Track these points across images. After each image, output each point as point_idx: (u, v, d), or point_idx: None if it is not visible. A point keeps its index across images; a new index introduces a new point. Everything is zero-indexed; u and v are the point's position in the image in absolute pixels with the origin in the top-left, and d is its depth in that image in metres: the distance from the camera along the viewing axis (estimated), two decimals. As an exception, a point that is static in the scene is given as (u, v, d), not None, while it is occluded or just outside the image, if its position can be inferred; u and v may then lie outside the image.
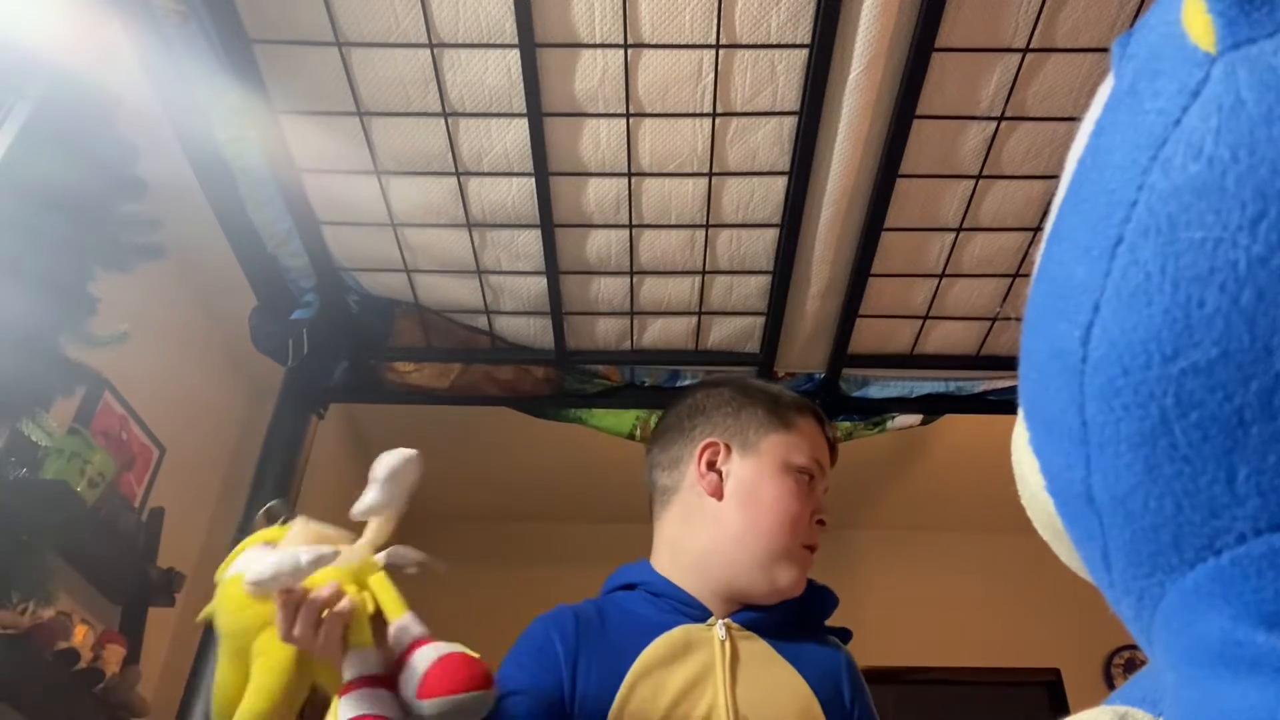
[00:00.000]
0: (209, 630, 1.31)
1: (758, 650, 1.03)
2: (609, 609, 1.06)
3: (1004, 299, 1.47)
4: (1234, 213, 0.25)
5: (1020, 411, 0.35)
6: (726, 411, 1.14)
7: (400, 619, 0.88)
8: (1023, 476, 0.37)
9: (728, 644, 1.01)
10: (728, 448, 1.11)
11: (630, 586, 1.10)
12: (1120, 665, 3.88)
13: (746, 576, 1.05)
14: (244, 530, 1.39)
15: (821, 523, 1.09)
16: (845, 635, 1.16)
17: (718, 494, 1.09)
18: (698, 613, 1.04)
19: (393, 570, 0.97)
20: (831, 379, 1.59)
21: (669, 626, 1.02)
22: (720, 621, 1.03)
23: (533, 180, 1.28)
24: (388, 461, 0.93)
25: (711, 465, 1.10)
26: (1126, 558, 0.30)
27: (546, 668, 0.98)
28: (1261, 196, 0.24)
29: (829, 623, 1.16)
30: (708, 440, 1.12)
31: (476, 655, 0.85)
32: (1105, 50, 1.11)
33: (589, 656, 0.99)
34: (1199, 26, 0.26)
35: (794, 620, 1.09)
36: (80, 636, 2.05)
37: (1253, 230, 0.25)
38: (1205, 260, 0.25)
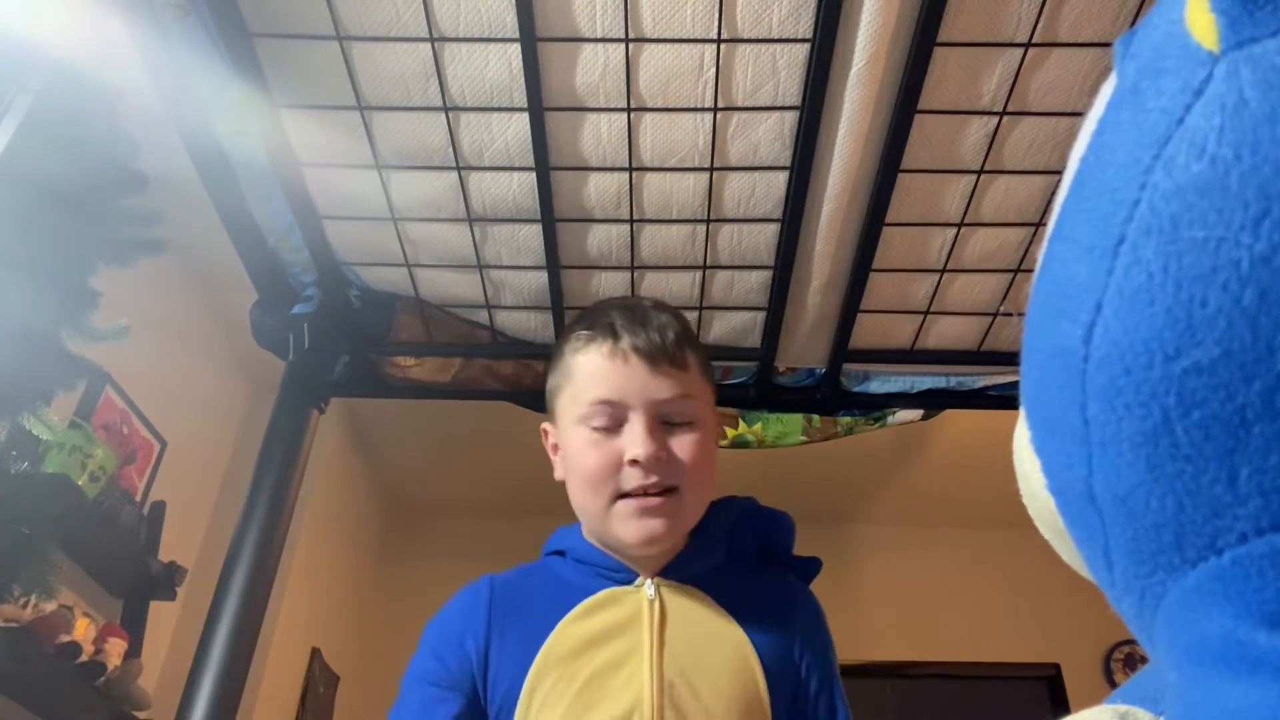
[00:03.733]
0: (210, 623, 1.31)
1: (694, 605, 0.97)
2: (535, 577, 1.03)
3: (1005, 294, 1.47)
4: (1237, 212, 0.25)
5: (1022, 410, 0.35)
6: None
7: None
8: (1024, 475, 0.37)
9: (657, 603, 0.96)
10: (552, 428, 1.07)
11: (561, 553, 1.06)
12: (1120, 660, 3.89)
13: (611, 542, 0.99)
14: (245, 524, 1.40)
15: (635, 462, 0.93)
16: (813, 566, 1.09)
17: (561, 477, 1.05)
18: (623, 575, 0.99)
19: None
20: (832, 374, 1.59)
21: (592, 591, 0.98)
22: (648, 580, 0.98)
23: (534, 175, 1.28)
24: None
25: (555, 448, 1.07)
26: (1128, 557, 0.30)
27: (455, 654, 0.96)
28: (1264, 196, 0.24)
29: (797, 552, 1.09)
30: (542, 426, 1.09)
31: None
32: (1108, 45, 1.11)
33: (503, 634, 0.97)
34: (1202, 25, 0.26)
35: (740, 557, 1.03)
36: (82, 630, 2.06)
37: (1255, 229, 0.25)
38: (1208, 259, 0.25)
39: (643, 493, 0.94)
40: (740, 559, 1.04)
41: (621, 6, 1.10)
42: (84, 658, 2.04)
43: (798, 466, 3.65)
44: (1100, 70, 1.16)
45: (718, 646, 0.95)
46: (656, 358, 0.97)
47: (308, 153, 1.28)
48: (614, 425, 0.96)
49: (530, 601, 1.00)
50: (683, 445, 0.96)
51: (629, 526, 0.95)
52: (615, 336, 0.98)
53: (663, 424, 0.97)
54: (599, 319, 1.01)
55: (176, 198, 1.56)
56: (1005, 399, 1.62)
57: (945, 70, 1.16)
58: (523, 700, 0.92)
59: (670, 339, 0.98)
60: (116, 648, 2.17)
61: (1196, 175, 0.26)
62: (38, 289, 1.35)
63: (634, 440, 0.94)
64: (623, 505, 0.95)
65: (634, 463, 0.93)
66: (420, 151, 1.27)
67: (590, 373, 0.98)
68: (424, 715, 0.94)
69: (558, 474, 1.05)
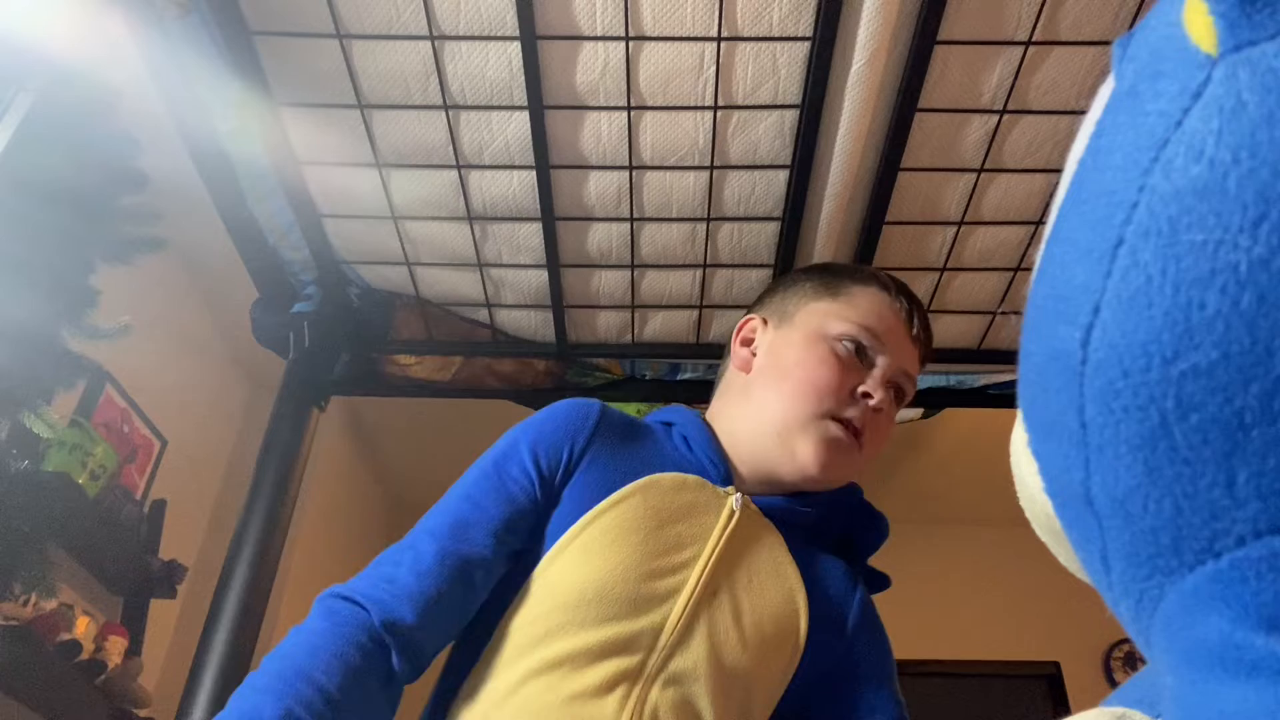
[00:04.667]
0: (210, 622, 1.31)
1: (767, 538, 0.96)
2: (639, 428, 1.02)
3: (1005, 293, 1.47)
4: (1235, 215, 0.25)
5: (1019, 413, 0.35)
6: (778, 287, 1.10)
7: None
8: (1021, 478, 0.37)
9: (737, 517, 0.94)
10: (765, 322, 1.07)
11: (669, 425, 1.04)
12: (1120, 659, 3.89)
13: (766, 450, 0.98)
14: (245, 523, 1.40)
15: (866, 395, 0.96)
16: (882, 581, 1.08)
17: (747, 368, 1.05)
18: (721, 473, 0.98)
19: None
20: (833, 372, 1.59)
21: (687, 470, 0.97)
22: (739, 494, 0.96)
23: (534, 173, 1.28)
24: None
25: (748, 342, 1.07)
26: (1125, 560, 0.30)
27: (550, 454, 0.95)
28: (1262, 199, 0.24)
29: (873, 563, 1.08)
30: (746, 317, 1.10)
31: None
32: (1108, 44, 1.11)
33: (596, 458, 0.96)
34: (1200, 28, 0.26)
35: (824, 531, 1.02)
36: (82, 628, 2.06)
37: (1254, 232, 0.25)
38: (1206, 262, 0.25)
39: (851, 426, 0.96)
40: (826, 533, 1.03)
41: (621, 5, 1.10)
42: (84, 656, 2.04)
43: (798, 464, 3.64)
44: (1100, 69, 1.16)
45: (774, 583, 0.94)
46: (921, 336, 1.04)
47: (308, 151, 1.28)
48: (862, 357, 0.99)
49: (629, 444, 0.98)
50: (888, 414, 1.01)
51: (818, 449, 0.96)
52: (907, 299, 1.04)
53: (889, 388, 1.00)
54: (884, 277, 1.06)
55: (176, 196, 1.56)
56: (1005, 397, 1.62)
57: (946, 69, 1.16)
58: (578, 526, 0.91)
59: (929, 334, 1.07)
60: (117, 646, 2.17)
61: (1195, 178, 0.26)
62: (38, 288, 1.36)
63: (876, 381, 0.98)
64: (832, 425, 0.96)
65: (866, 395, 0.96)
66: (420, 150, 1.27)
67: (870, 304, 1.02)
68: (496, 498, 0.92)
69: (741, 362, 1.06)
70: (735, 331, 1.10)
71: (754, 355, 1.06)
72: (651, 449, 0.99)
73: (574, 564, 0.89)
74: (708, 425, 1.04)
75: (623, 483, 0.93)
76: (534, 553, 0.92)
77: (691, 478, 0.96)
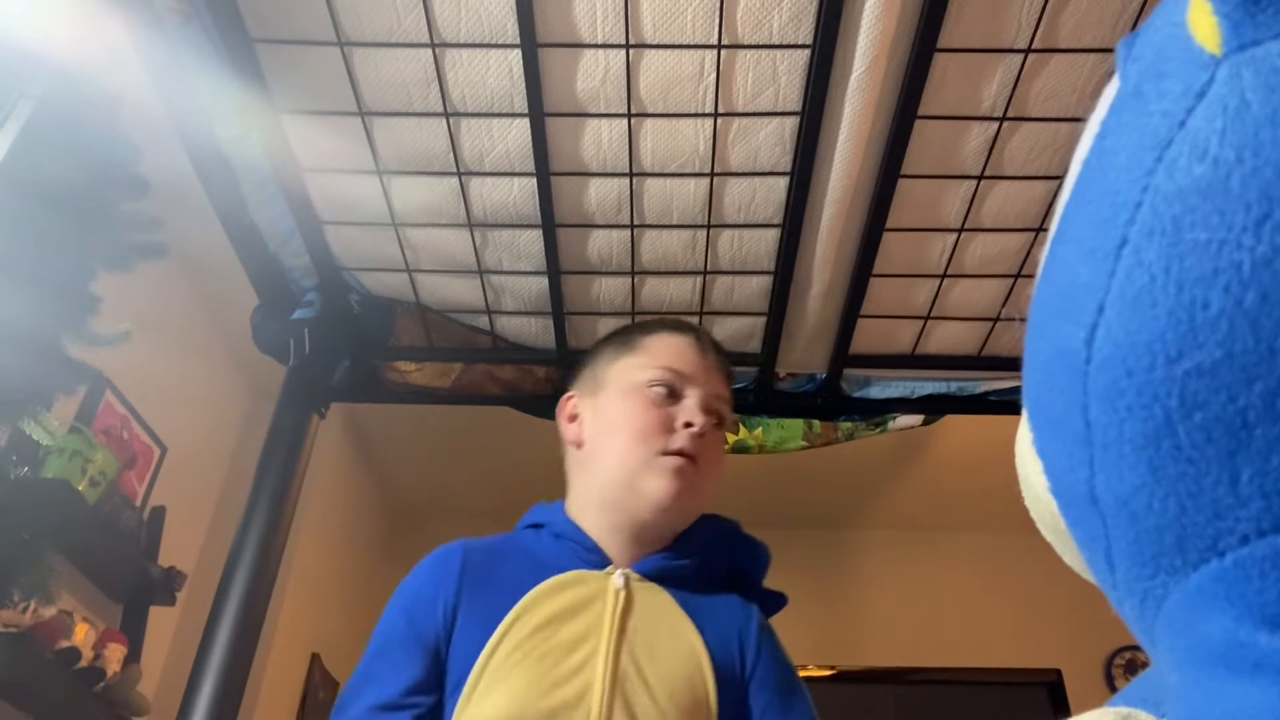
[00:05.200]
0: (210, 629, 1.31)
1: (657, 603, 1.00)
2: (507, 549, 1.06)
3: (1006, 300, 1.47)
4: (1238, 214, 0.25)
5: (1024, 413, 0.35)
6: (585, 364, 1.19)
7: None
8: (1026, 478, 0.37)
9: (623, 594, 0.99)
10: (580, 394, 1.15)
11: (539, 526, 1.10)
12: (1121, 666, 3.88)
13: (622, 502, 1.04)
14: (244, 529, 1.40)
15: (688, 424, 1.04)
16: (778, 601, 1.13)
17: (580, 441, 1.11)
18: (597, 559, 1.03)
19: None
20: (833, 379, 1.59)
21: (563, 570, 1.01)
22: (620, 570, 1.01)
23: (534, 180, 1.28)
24: None
25: (574, 418, 1.14)
26: (1130, 559, 0.30)
27: (426, 614, 0.98)
28: (1266, 198, 0.24)
29: (768, 586, 1.13)
30: (564, 399, 1.16)
31: None
32: (1108, 51, 1.11)
33: (472, 599, 0.99)
34: (1204, 28, 0.26)
35: (710, 573, 1.07)
36: (81, 635, 2.05)
37: (1257, 232, 0.25)
38: (1209, 262, 0.25)
39: (684, 455, 1.03)
40: (710, 575, 1.08)
41: (622, 12, 1.10)
42: (83, 663, 2.03)
43: (798, 472, 3.65)
44: (1100, 75, 1.16)
45: (674, 646, 0.97)
46: (721, 360, 1.14)
47: (309, 158, 1.28)
48: (673, 395, 1.07)
49: (501, 570, 1.02)
50: (715, 437, 1.09)
51: (662, 482, 1.02)
52: (695, 333, 1.15)
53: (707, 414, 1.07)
54: (669, 321, 1.19)
55: (177, 203, 1.56)
56: (1006, 404, 1.62)
57: (945, 76, 1.16)
58: (476, 668, 0.94)
59: (724, 357, 1.16)
60: (116, 653, 2.17)
61: (1198, 177, 0.26)
62: (39, 294, 1.36)
63: (691, 410, 1.06)
64: (667, 460, 1.03)
65: (688, 425, 1.04)
66: (421, 157, 1.27)
67: (664, 347, 1.11)
68: (391, 676, 0.96)
69: (573, 437, 1.13)
70: (558, 416, 1.17)
71: (581, 428, 1.12)
72: (523, 564, 1.02)
73: (483, 704, 0.92)
74: (570, 516, 1.09)
75: (504, 613, 0.96)
76: (449, 703, 0.95)
77: (569, 575, 1.00)
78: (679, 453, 1.03)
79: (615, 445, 1.06)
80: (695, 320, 1.51)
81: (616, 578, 1.00)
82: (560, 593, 0.98)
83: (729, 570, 1.11)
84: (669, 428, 1.04)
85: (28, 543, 1.65)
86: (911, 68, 1.13)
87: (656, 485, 1.02)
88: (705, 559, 1.07)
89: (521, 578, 0.99)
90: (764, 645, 1.03)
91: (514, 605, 0.96)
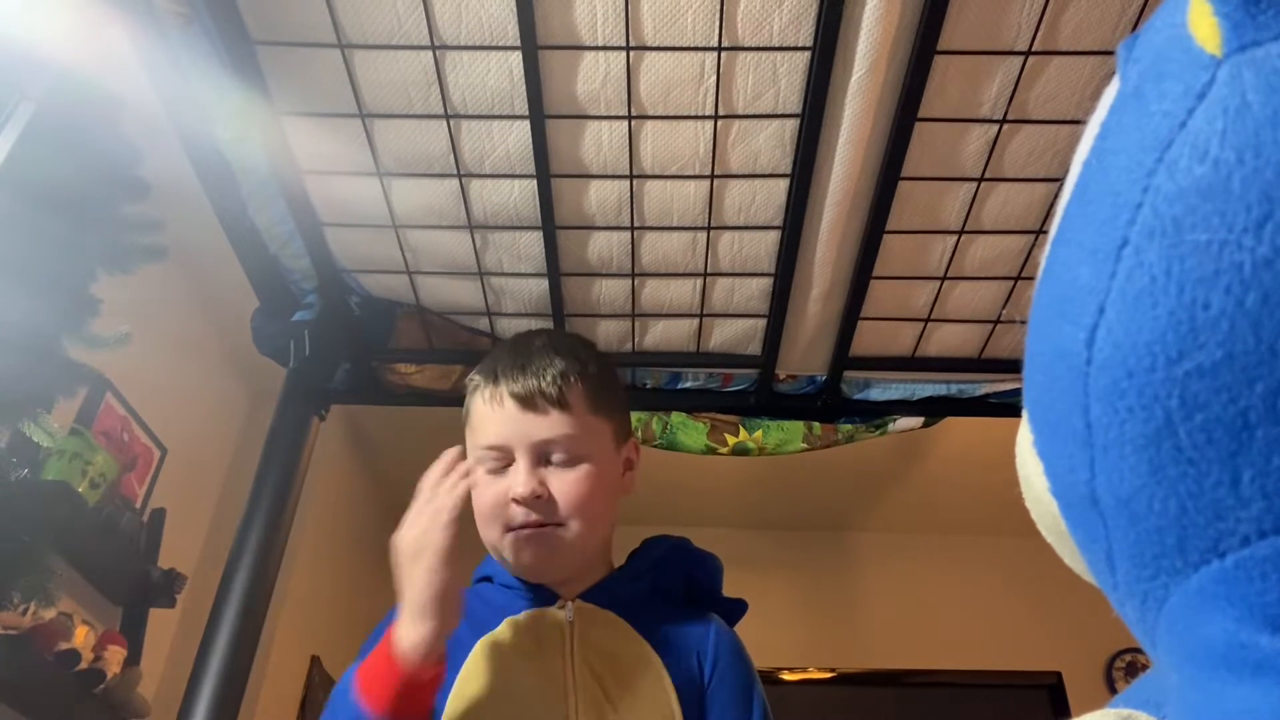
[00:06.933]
0: (210, 631, 1.31)
1: (610, 630, 1.02)
2: (467, 600, 1.06)
3: (1006, 302, 1.47)
4: (1239, 215, 0.25)
5: (1025, 414, 0.35)
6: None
7: None
8: (1027, 479, 0.37)
9: (576, 624, 1.01)
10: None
11: (488, 579, 1.10)
12: (1122, 668, 3.88)
13: (512, 569, 1.05)
14: (244, 532, 1.40)
15: (516, 500, 1.00)
16: (738, 608, 1.13)
17: None
18: (545, 596, 1.04)
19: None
20: (833, 381, 1.59)
21: (516, 612, 1.02)
22: (569, 602, 1.03)
23: (534, 182, 1.28)
24: None
25: None
26: (1131, 560, 0.30)
27: None
28: (1267, 199, 0.24)
29: (728, 593, 1.13)
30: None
31: None
32: (1108, 53, 1.11)
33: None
34: (1205, 29, 0.26)
35: (664, 592, 1.08)
36: (81, 637, 2.05)
37: (1258, 233, 0.25)
38: (1210, 262, 0.25)
39: (524, 527, 1.00)
40: (665, 594, 1.09)
41: (622, 14, 1.10)
42: (83, 665, 2.03)
43: (798, 474, 3.64)
44: (1101, 78, 1.16)
45: (632, 669, 0.99)
46: (532, 400, 1.02)
47: (309, 160, 1.28)
48: (502, 466, 1.02)
49: (473, 615, 1.03)
50: (566, 481, 1.01)
51: (518, 556, 1.01)
52: (495, 381, 1.04)
53: (547, 462, 1.02)
54: (488, 362, 1.09)
55: (178, 205, 1.56)
56: (1006, 406, 1.62)
57: (945, 78, 1.16)
58: (453, 696, 0.95)
59: (547, 380, 1.03)
60: (116, 655, 2.17)
61: (1199, 178, 0.26)
62: (39, 296, 1.36)
63: (516, 480, 1.00)
64: (510, 538, 1.01)
65: (515, 500, 1.00)
66: (421, 159, 1.27)
67: (477, 418, 1.06)
68: None
69: None
70: None
71: None
72: (478, 615, 1.02)
73: None
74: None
75: (458, 665, 0.97)
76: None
77: (520, 616, 1.02)
78: (520, 527, 1.01)
79: (478, 525, 1.04)
80: (696, 322, 1.51)
81: (566, 611, 1.02)
82: (514, 633, 1.01)
83: (686, 586, 1.11)
84: (503, 502, 1.01)
85: (28, 545, 1.65)
86: (912, 70, 1.13)
87: (515, 560, 1.02)
88: (657, 578, 1.08)
89: (477, 624, 1.01)
90: (720, 659, 1.04)
91: (469, 652, 0.98)
